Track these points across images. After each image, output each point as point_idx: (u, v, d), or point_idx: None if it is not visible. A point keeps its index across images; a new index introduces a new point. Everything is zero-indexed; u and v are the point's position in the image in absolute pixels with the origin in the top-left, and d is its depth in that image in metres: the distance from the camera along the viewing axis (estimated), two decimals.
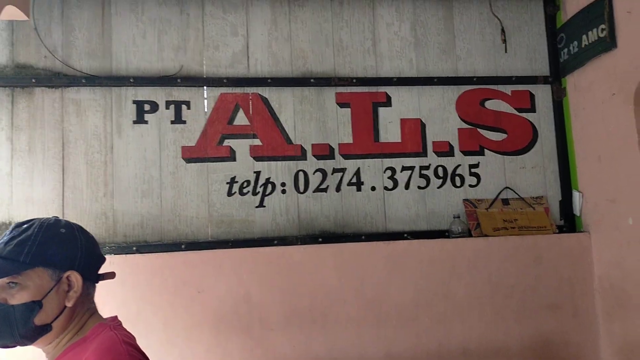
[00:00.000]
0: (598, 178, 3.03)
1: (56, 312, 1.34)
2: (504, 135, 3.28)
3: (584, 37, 3.04)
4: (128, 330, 1.46)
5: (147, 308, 2.76)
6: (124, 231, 2.93)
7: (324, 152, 3.13)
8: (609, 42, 2.82)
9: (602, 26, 2.86)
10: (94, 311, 1.46)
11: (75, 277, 1.37)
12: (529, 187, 3.26)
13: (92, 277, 1.45)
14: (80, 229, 1.47)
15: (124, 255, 2.81)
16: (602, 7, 2.86)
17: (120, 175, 2.96)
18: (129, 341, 1.34)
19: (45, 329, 1.33)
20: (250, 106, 3.10)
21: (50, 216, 1.46)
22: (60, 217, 1.48)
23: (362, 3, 3.28)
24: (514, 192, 3.23)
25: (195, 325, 2.78)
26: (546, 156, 3.29)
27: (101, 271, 1.50)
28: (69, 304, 1.35)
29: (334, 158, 3.14)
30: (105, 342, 1.31)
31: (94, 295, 1.48)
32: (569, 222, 3.23)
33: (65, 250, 1.38)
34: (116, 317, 1.50)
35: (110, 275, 1.51)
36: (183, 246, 2.91)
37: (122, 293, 2.74)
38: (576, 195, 3.20)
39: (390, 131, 3.20)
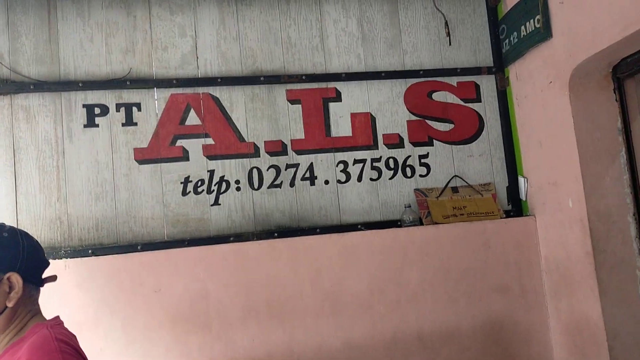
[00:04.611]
0: (540, 163, 3.15)
1: None
2: (452, 126, 3.38)
3: (523, 27, 3.16)
4: (69, 330, 1.49)
5: (105, 310, 2.78)
6: (79, 235, 2.94)
7: (277, 148, 3.19)
8: (544, 32, 2.94)
9: (538, 17, 2.98)
10: (36, 313, 1.49)
11: (16, 278, 1.40)
12: (477, 175, 3.37)
13: (34, 279, 1.49)
14: (23, 234, 1.50)
15: (79, 258, 2.83)
16: None
17: (73, 179, 2.97)
18: (63, 338, 1.38)
19: None
20: (202, 106, 3.14)
21: None
22: (8, 224, 1.52)
23: (308, 1, 3.34)
24: (463, 180, 3.34)
25: (154, 325, 2.81)
26: (492, 144, 3.41)
27: (45, 275, 1.54)
28: (10, 304, 1.39)
29: (286, 154, 3.20)
30: (38, 339, 1.35)
31: (38, 298, 1.52)
32: (517, 207, 3.36)
33: (6, 253, 1.42)
34: (57, 317, 1.53)
35: (52, 278, 1.55)
36: (139, 247, 2.94)
37: (79, 296, 2.76)
38: (521, 181, 3.33)
39: (341, 126, 3.28)
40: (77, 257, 2.84)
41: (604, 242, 2.74)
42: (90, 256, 2.87)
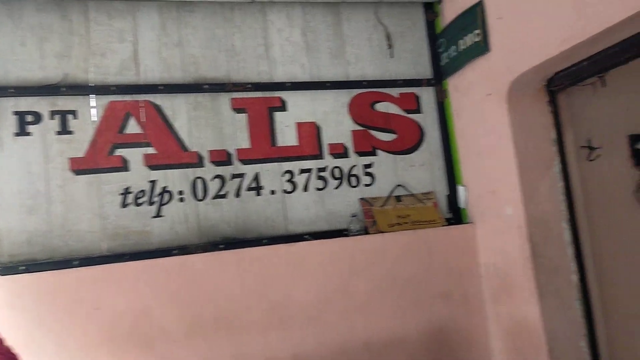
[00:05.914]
0: (479, 172, 3.27)
1: None
2: (394, 136, 3.44)
3: (461, 41, 3.27)
4: (10, 349, 1.37)
5: (39, 330, 2.61)
6: (10, 250, 2.74)
7: (222, 158, 3.12)
8: (483, 46, 3.06)
9: (477, 31, 3.09)
10: None
11: None
12: (418, 184, 3.45)
13: None
14: None
15: (10, 275, 2.64)
16: (476, 13, 3.09)
17: (2, 191, 2.77)
18: None
19: None
20: (142, 114, 3.03)
21: None
22: None
23: (252, 9, 3.30)
24: (406, 189, 3.40)
25: (92, 344, 2.66)
26: (433, 154, 3.50)
27: None
28: None
29: (232, 164, 3.14)
30: None
31: None
32: (457, 215, 3.46)
33: None
34: None
35: None
36: (76, 262, 2.78)
37: (11, 316, 2.58)
38: (460, 189, 3.44)
39: (287, 135, 3.26)
40: (7, 274, 2.64)
41: (542, 247, 2.87)
42: (23, 273, 2.68)
